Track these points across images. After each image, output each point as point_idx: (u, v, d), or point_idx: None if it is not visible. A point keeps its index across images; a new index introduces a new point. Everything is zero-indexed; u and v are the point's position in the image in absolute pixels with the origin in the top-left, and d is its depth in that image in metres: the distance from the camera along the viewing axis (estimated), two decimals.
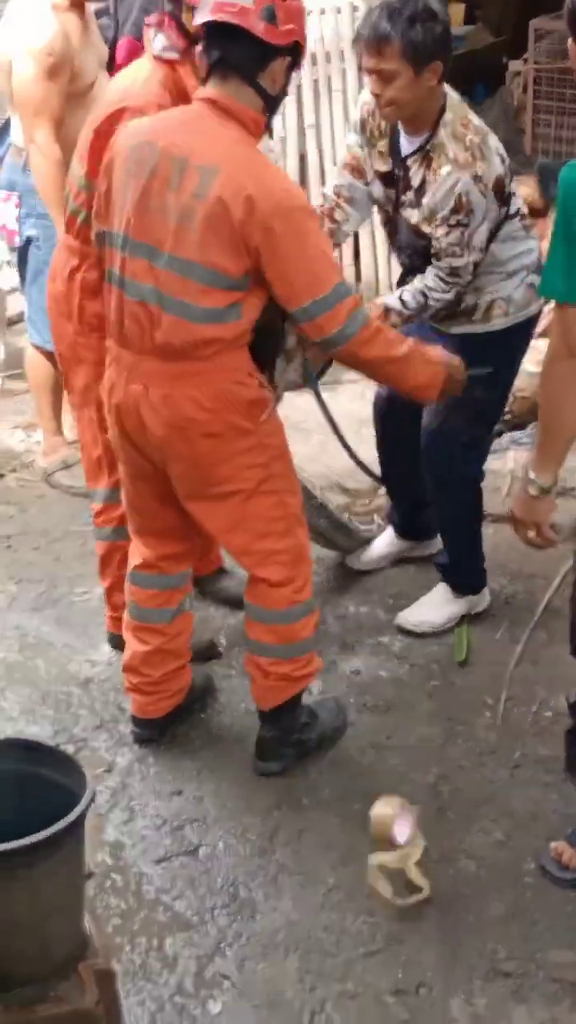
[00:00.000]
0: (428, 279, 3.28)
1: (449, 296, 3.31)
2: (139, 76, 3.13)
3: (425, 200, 3.21)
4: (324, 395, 3.50)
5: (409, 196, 3.28)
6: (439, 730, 3.32)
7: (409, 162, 3.26)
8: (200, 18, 2.70)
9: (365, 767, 3.18)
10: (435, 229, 3.22)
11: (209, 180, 2.63)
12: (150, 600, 3.12)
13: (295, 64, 2.77)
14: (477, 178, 3.13)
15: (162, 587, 3.13)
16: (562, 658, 3.59)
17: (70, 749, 3.13)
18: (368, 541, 4.08)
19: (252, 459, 2.86)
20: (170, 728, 3.27)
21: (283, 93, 2.80)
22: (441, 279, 3.27)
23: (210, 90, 2.73)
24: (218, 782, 3.13)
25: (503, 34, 8.13)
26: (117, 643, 3.52)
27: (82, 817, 2.10)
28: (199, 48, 2.80)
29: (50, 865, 2.06)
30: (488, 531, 4.41)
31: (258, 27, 2.62)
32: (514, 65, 7.44)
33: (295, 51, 2.74)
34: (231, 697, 3.48)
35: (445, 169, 3.14)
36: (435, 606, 3.77)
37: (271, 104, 2.77)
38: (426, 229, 3.25)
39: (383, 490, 4.30)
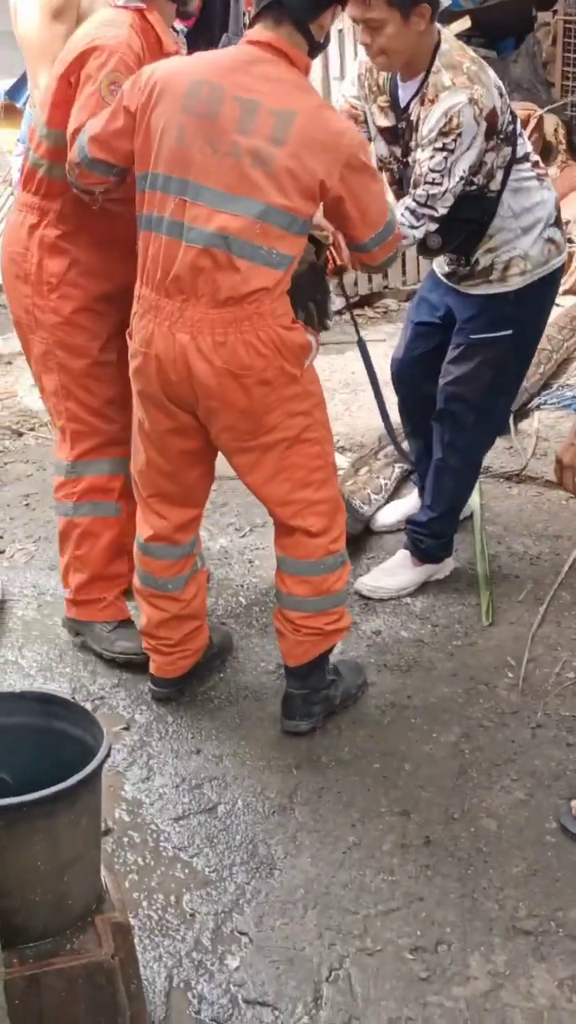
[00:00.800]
0: (397, 212, 3.07)
1: (418, 234, 3.15)
2: (105, 20, 3.02)
3: (420, 133, 3.14)
4: (343, 356, 3.49)
5: (416, 141, 3.19)
6: (460, 690, 3.30)
7: (411, 109, 3.18)
8: None
9: (385, 726, 3.15)
10: (419, 154, 3.13)
11: (286, 125, 2.61)
12: (165, 571, 3.08)
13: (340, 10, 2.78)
14: (472, 100, 3.05)
15: (176, 557, 3.08)
16: None
17: (88, 706, 3.11)
18: (366, 521, 4.03)
19: (297, 406, 2.84)
20: (189, 686, 3.25)
21: (326, 41, 2.80)
22: (412, 211, 3.13)
23: (264, 33, 2.69)
24: (237, 741, 3.12)
25: None
26: (74, 629, 3.46)
27: (99, 769, 2.08)
28: None
29: (68, 817, 2.04)
30: (512, 491, 4.40)
31: None
32: (543, 16, 7.33)
33: (343, 2, 2.75)
34: (250, 656, 3.46)
35: (444, 94, 3.07)
36: (391, 573, 3.74)
37: (314, 51, 2.75)
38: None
39: (384, 458, 4.26)
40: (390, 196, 3.14)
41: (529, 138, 6.58)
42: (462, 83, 3.07)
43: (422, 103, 3.14)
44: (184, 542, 3.08)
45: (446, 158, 3.08)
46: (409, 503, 4.05)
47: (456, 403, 3.51)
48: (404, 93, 3.21)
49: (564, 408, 5.03)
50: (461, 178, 3.13)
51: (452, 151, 3.07)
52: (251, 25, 2.75)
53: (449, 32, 3.22)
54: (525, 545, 4.02)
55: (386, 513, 4.08)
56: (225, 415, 2.80)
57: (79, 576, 3.36)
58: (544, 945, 2.48)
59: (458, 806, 2.86)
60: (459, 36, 7.34)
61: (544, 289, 3.44)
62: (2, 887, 1.97)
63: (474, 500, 4.25)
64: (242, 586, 3.80)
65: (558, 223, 3.39)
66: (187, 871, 2.70)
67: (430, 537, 3.71)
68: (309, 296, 2.94)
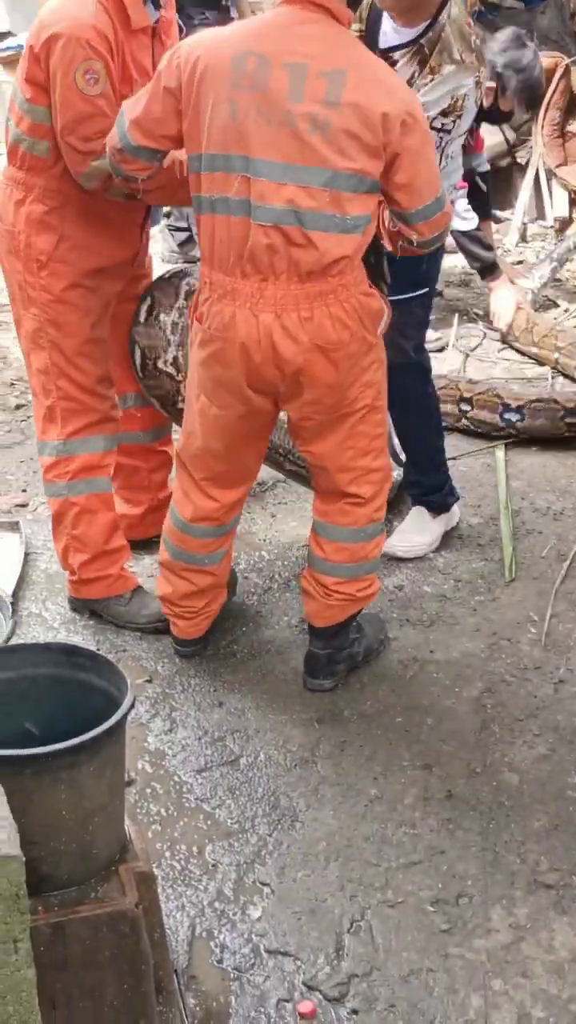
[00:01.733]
0: None
1: None
2: None
3: None
4: None
5: None
6: (483, 645, 3.29)
7: (396, 56, 3.04)
8: None
9: (408, 680, 3.15)
10: None
11: (338, 85, 2.51)
12: (204, 548, 3.05)
13: None
14: (478, 83, 3.00)
15: (218, 535, 3.06)
16: None
17: (111, 658, 3.12)
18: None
19: (373, 375, 2.81)
20: (212, 638, 3.26)
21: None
22: None
23: None
24: (260, 694, 3.12)
25: None
26: (87, 608, 3.43)
27: (124, 720, 2.08)
28: None
29: (92, 767, 2.05)
30: (535, 448, 4.36)
31: None
32: None
33: None
34: (273, 610, 3.46)
35: (448, 68, 2.96)
36: (419, 530, 3.72)
37: (352, 2, 2.69)
38: None
39: None
40: None
41: (556, 89, 6.51)
42: (471, 62, 2.97)
43: (414, 58, 3.00)
44: (228, 521, 3.05)
45: (442, 138, 3.02)
46: (414, 525, 3.81)
47: (394, 363, 3.41)
48: (392, 35, 3.06)
49: None
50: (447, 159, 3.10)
51: (449, 132, 3.00)
52: None
53: None
54: (548, 501, 4.00)
55: (399, 538, 3.75)
56: (311, 391, 2.74)
57: (81, 556, 3.31)
58: (565, 899, 2.49)
59: (480, 760, 2.87)
60: None
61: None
62: (28, 836, 1.98)
63: (498, 456, 4.23)
64: (265, 540, 3.80)
65: (450, 189, 3.34)
66: (210, 822, 2.72)
67: (433, 491, 3.72)
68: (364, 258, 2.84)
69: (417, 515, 3.75)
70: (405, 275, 3.22)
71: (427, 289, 3.43)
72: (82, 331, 3.13)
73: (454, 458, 4.23)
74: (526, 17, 7.48)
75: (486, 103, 4.79)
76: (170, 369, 3.27)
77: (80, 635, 3.36)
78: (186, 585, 3.09)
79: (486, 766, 2.85)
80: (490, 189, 4.42)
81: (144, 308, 3.28)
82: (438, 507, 3.74)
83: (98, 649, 3.23)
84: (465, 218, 4.97)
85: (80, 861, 2.10)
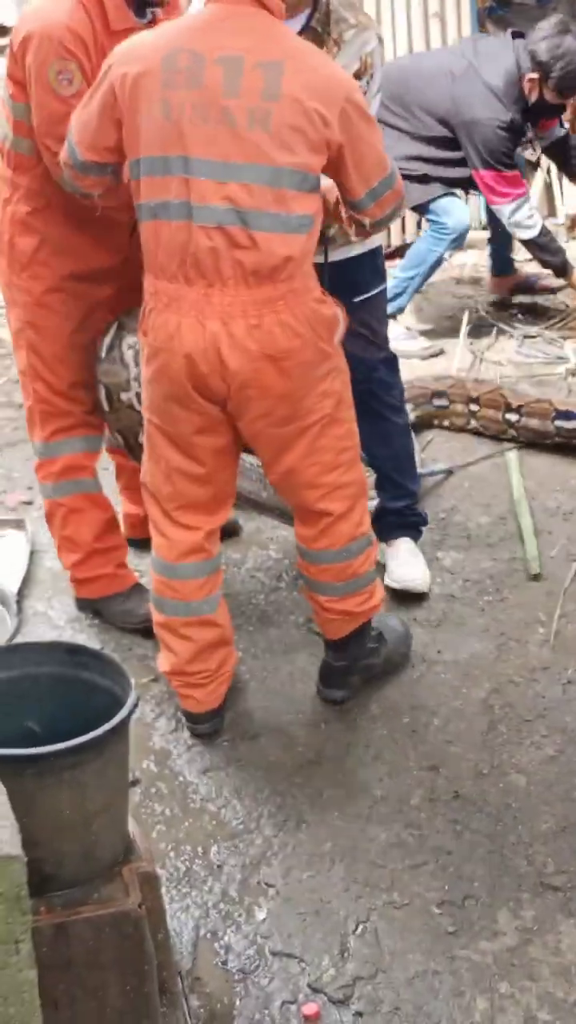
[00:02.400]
0: None
1: None
2: None
3: None
4: None
5: None
6: (491, 645, 3.27)
7: None
8: None
9: (415, 680, 3.14)
10: None
11: (276, 77, 2.43)
12: (198, 591, 2.84)
13: None
14: (380, 40, 2.92)
15: (209, 572, 2.86)
16: None
17: (116, 658, 3.10)
18: None
19: (330, 385, 2.69)
20: (227, 713, 3.03)
21: None
22: None
23: None
24: (266, 694, 3.11)
25: None
26: (90, 608, 3.41)
27: (127, 719, 2.07)
28: None
29: (95, 767, 2.04)
30: (545, 446, 4.34)
31: None
32: None
33: None
34: (280, 609, 3.45)
35: (349, 33, 2.87)
36: (417, 563, 3.51)
37: None
38: None
39: None
40: None
41: None
42: (367, 21, 2.92)
43: (316, 42, 2.86)
44: (214, 553, 2.86)
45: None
46: (411, 556, 3.60)
47: (356, 377, 3.11)
48: None
49: None
50: None
51: (365, 92, 2.87)
52: None
53: None
54: (558, 501, 3.98)
55: (407, 571, 3.53)
56: (261, 402, 2.61)
57: (73, 556, 3.29)
58: (572, 901, 2.47)
59: (487, 761, 2.85)
60: None
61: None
62: (31, 836, 1.97)
63: (510, 457, 4.20)
64: (271, 538, 3.78)
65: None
66: (215, 823, 2.70)
67: (414, 515, 3.59)
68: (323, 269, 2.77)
69: (408, 543, 3.56)
70: (374, 270, 3.24)
71: (383, 286, 3.37)
72: (61, 336, 3.09)
73: (471, 463, 4.23)
74: (536, 13, 7.46)
75: (532, 97, 4.79)
76: (136, 406, 3.08)
77: (85, 634, 3.35)
78: (191, 645, 2.86)
79: (493, 767, 2.83)
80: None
81: (107, 340, 3.12)
82: (420, 526, 3.61)
83: (103, 648, 3.22)
84: (529, 226, 4.96)
85: (83, 861, 2.09)
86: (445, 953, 2.36)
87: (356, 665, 3.02)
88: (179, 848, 2.64)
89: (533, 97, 4.81)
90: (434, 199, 5.05)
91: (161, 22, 2.85)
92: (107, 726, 2.03)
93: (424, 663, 3.20)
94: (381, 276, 3.33)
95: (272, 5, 2.50)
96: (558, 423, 4.24)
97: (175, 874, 2.57)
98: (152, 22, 2.87)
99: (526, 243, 5.14)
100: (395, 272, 5.19)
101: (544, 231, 5.07)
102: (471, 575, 3.60)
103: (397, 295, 5.27)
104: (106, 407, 3.12)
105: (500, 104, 4.79)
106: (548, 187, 6.78)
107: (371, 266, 3.22)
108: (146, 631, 3.28)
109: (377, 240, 3.21)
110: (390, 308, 5.07)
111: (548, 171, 6.65)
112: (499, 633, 3.32)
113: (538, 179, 6.70)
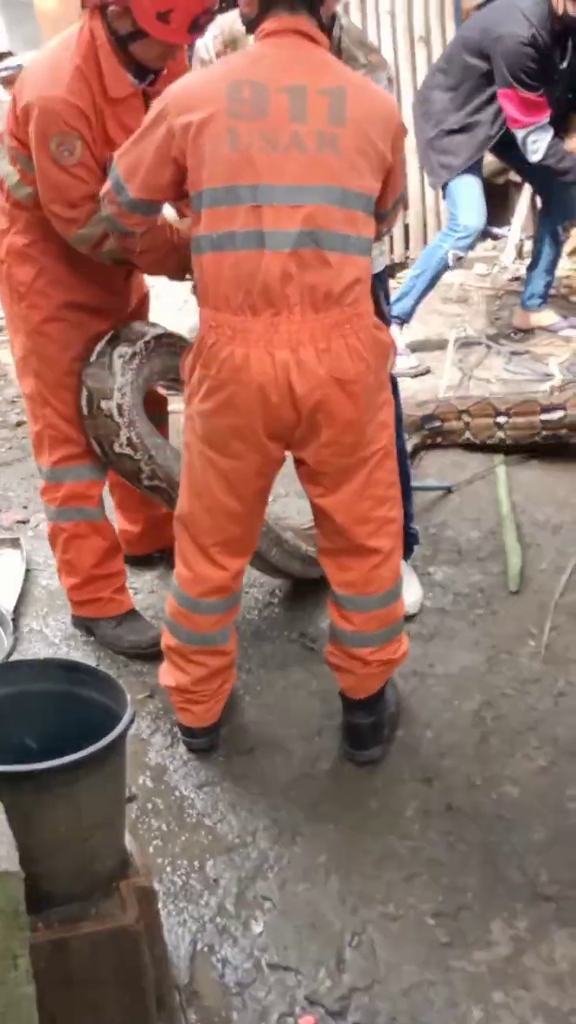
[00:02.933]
0: None
1: None
2: (54, 54, 2.87)
3: None
4: None
5: None
6: (482, 658, 3.30)
7: None
8: None
9: (408, 694, 3.16)
10: None
11: (340, 103, 2.48)
12: (216, 624, 2.84)
13: None
14: (390, 81, 2.96)
15: (228, 608, 2.85)
16: None
17: (112, 674, 3.13)
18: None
19: (387, 415, 2.70)
20: (222, 728, 3.05)
21: (332, 23, 2.66)
22: None
23: (282, 21, 2.53)
24: (260, 708, 3.13)
25: None
26: (84, 626, 3.44)
27: (123, 735, 2.09)
28: None
29: (92, 783, 2.06)
30: (534, 460, 4.38)
31: None
32: None
33: None
34: (273, 625, 3.48)
35: (361, 71, 2.86)
36: (409, 584, 3.40)
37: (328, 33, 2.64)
38: None
39: None
40: None
41: None
42: (378, 61, 2.94)
43: None
44: (237, 589, 2.85)
45: None
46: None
47: None
48: None
49: None
50: None
51: None
52: (259, 22, 2.57)
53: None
54: (547, 514, 4.01)
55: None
56: (329, 429, 2.58)
57: (71, 579, 3.33)
58: (566, 911, 2.49)
59: (480, 773, 2.87)
60: (481, 5, 7.26)
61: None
62: (28, 852, 1.99)
63: (499, 472, 4.23)
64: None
65: None
66: (211, 837, 2.72)
67: (408, 525, 3.44)
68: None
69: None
70: (382, 293, 3.21)
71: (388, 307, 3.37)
72: (61, 364, 3.12)
73: (470, 481, 4.26)
74: None
75: (559, 8, 4.76)
76: (116, 416, 3.11)
77: (81, 651, 3.37)
78: (200, 670, 2.87)
79: (486, 779, 2.86)
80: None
81: (99, 346, 3.14)
82: (412, 544, 3.54)
83: (98, 665, 3.25)
84: (534, 151, 4.98)
85: (80, 877, 2.11)
86: (440, 964, 2.38)
87: (383, 716, 2.95)
88: (176, 863, 2.66)
89: (560, 8, 4.78)
90: (463, 173, 5.11)
91: (164, 80, 2.88)
92: (103, 742, 2.05)
93: (416, 676, 3.23)
94: (386, 298, 3.31)
95: (319, 37, 2.56)
96: (543, 417, 4.35)
97: (172, 889, 2.59)
98: (153, 83, 2.91)
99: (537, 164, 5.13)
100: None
101: (550, 153, 5.01)
102: (462, 589, 3.63)
103: (404, 294, 5.32)
104: (85, 411, 3.13)
105: (526, 21, 4.80)
106: (533, 207, 6.82)
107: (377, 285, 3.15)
108: (133, 656, 3.31)
109: (381, 262, 3.15)
110: (396, 310, 5.15)
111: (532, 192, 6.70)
112: (490, 646, 3.35)
113: (523, 199, 6.75)
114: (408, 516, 3.46)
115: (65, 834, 2.07)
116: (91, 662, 3.25)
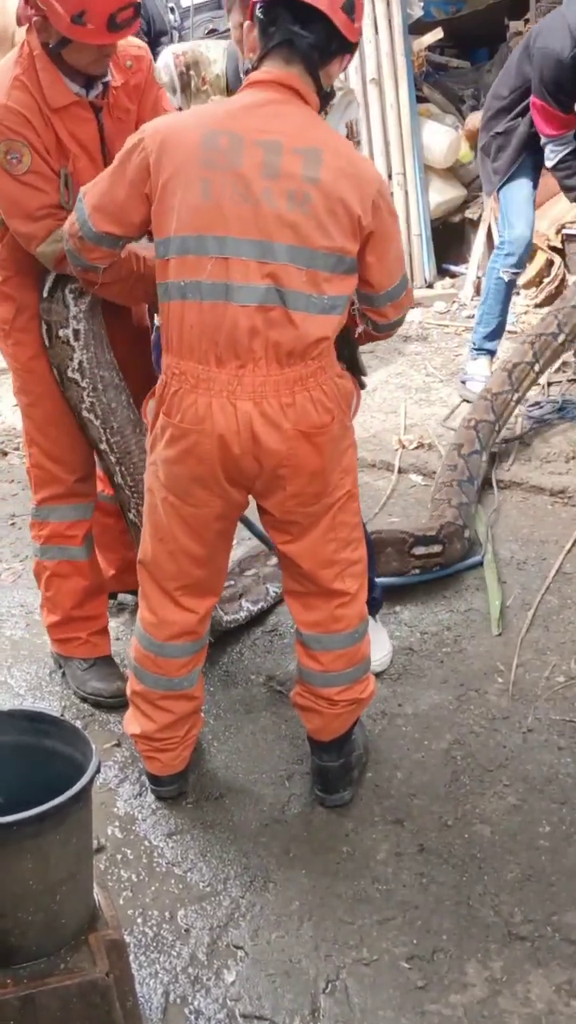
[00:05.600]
0: None
1: None
2: (1, 74, 2.85)
3: None
4: None
5: None
6: (451, 696, 3.30)
7: None
8: None
9: (377, 735, 3.15)
10: None
11: (314, 163, 2.45)
12: (181, 669, 2.82)
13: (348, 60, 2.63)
14: (358, 106, 2.99)
15: (195, 652, 2.84)
16: (574, 622, 3.59)
17: (78, 724, 3.10)
18: (223, 629, 3.56)
19: (350, 460, 2.70)
20: (187, 779, 3.00)
21: (332, 92, 2.62)
22: None
23: (274, 72, 2.51)
24: (228, 754, 3.11)
25: None
26: (57, 662, 3.43)
27: (89, 786, 2.07)
28: (245, 23, 2.53)
29: (58, 835, 2.04)
30: (499, 498, 4.40)
31: (339, 18, 2.47)
32: (515, 25, 7.36)
33: (352, 50, 2.59)
34: (240, 669, 3.46)
35: (336, 96, 2.83)
36: (377, 640, 3.34)
37: (321, 99, 2.59)
38: None
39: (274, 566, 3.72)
40: None
41: None
42: (348, 87, 2.95)
43: None
44: (203, 633, 2.85)
45: None
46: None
47: None
48: None
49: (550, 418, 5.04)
50: None
51: None
52: (256, 67, 2.56)
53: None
54: (511, 551, 4.03)
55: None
56: (295, 480, 2.59)
57: (52, 617, 3.32)
58: (541, 950, 2.48)
59: (451, 813, 2.86)
60: (432, 47, 7.42)
61: None
62: None
63: (480, 512, 4.20)
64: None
65: None
66: (181, 886, 2.69)
67: (373, 586, 3.34)
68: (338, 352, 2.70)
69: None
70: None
71: None
72: (51, 400, 3.11)
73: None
74: (473, 76, 7.67)
75: None
76: (71, 341, 3.07)
77: (47, 701, 3.34)
78: (165, 716, 2.84)
79: (457, 818, 2.84)
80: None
81: (48, 282, 3.05)
82: (378, 604, 3.45)
83: (64, 714, 3.22)
84: (550, 158, 4.99)
85: (48, 931, 2.08)
86: (416, 1008, 2.36)
87: (352, 758, 2.93)
88: (146, 913, 2.62)
89: None
90: (514, 174, 5.10)
91: (132, 77, 2.92)
92: (68, 794, 2.03)
93: (385, 717, 3.22)
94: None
95: (308, 96, 2.53)
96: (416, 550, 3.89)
97: (143, 940, 2.55)
98: (103, 96, 2.91)
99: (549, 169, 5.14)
100: None
101: (561, 165, 5.00)
102: (429, 627, 3.63)
103: (476, 325, 5.34)
104: (47, 343, 3.08)
105: (570, 38, 4.71)
106: (490, 244, 6.91)
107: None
108: (94, 704, 3.29)
109: None
110: (477, 343, 5.24)
111: (489, 228, 6.78)
112: (458, 684, 3.35)
113: (480, 236, 6.83)
114: (370, 580, 3.32)
115: (32, 888, 2.05)
116: (57, 711, 3.22)
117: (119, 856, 2.78)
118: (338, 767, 2.89)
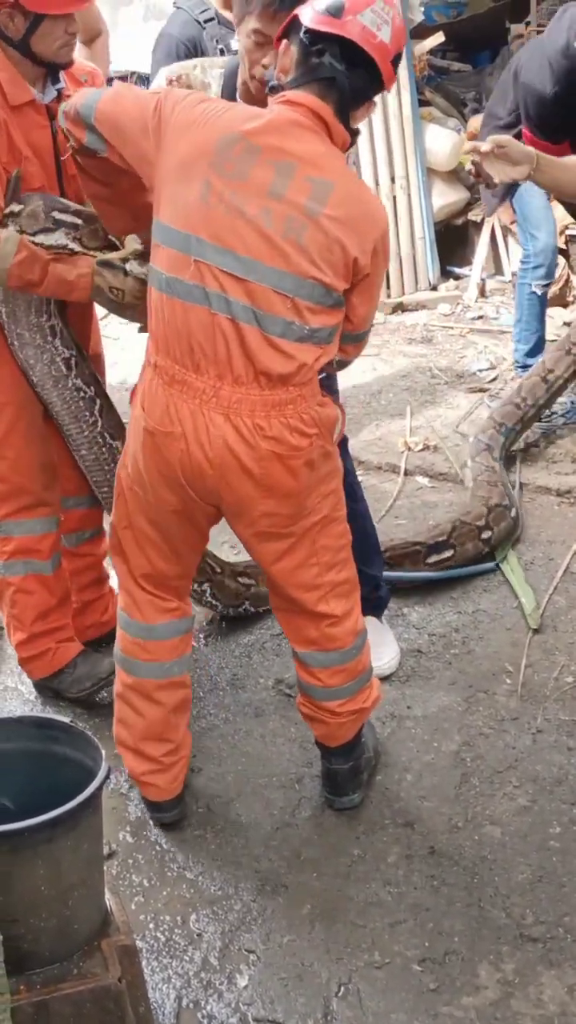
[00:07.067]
0: None
1: None
2: None
3: None
4: None
5: None
6: (459, 698, 3.30)
7: None
8: (321, 24, 2.42)
9: (386, 737, 3.15)
10: None
11: (324, 194, 2.41)
12: (173, 651, 2.79)
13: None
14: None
15: (184, 631, 2.83)
16: None
17: (88, 730, 3.10)
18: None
19: (329, 484, 2.65)
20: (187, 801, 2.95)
21: (355, 134, 2.59)
22: None
23: (311, 98, 2.45)
24: (238, 758, 3.11)
25: None
26: (48, 689, 3.36)
27: (99, 792, 2.08)
28: (283, 42, 2.48)
29: (69, 841, 2.05)
30: None
31: (386, 68, 2.47)
32: (516, 28, 7.39)
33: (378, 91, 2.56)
34: (249, 672, 3.46)
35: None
36: (383, 641, 3.40)
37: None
38: None
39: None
40: None
41: None
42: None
43: None
44: (190, 612, 2.85)
45: None
46: (376, 636, 3.36)
47: None
48: None
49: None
50: None
51: None
52: (286, 88, 2.51)
53: None
54: (519, 551, 4.03)
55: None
56: (266, 502, 2.55)
57: (19, 635, 3.26)
58: (553, 951, 2.48)
59: (461, 815, 2.86)
60: (433, 51, 7.42)
61: None
62: (7, 913, 1.97)
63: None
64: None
65: None
66: (193, 890, 2.70)
67: (378, 586, 3.43)
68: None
69: (370, 626, 3.19)
70: None
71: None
72: (15, 409, 3.07)
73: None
74: (475, 79, 7.67)
75: None
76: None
77: (56, 707, 3.34)
78: (156, 710, 2.79)
79: (467, 820, 2.85)
80: None
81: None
82: (385, 604, 3.48)
83: (73, 720, 3.18)
84: None
85: (61, 937, 2.08)
86: (428, 1011, 2.36)
87: (361, 762, 2.92)
88: (158, 918, 2.63)
89: None
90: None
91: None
92: (79, 799, 2.03)
93: (394, 719, 3.22)
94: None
95: (335, 132, 2.48)
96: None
97: (155, 945, 2.55)
98: (59, 99, 2.90)
99: None
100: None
101: None
102: (437, 629, 3.63)
103: (516, 343, 5.28)
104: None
105: (550, 74, 4.49)
106: (494, 246, 6.92)
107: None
108: (103, 690, 3.26)
109: None
110: (519, 361, 5.17)
111: (492, 229, 6.80)
112: (467, 685, 3.35)
113: (483, 239, 6.84)
114: (375, 579, 3.41)
115: (44, 894, 2.05)
116: (66, 718, 3.21)
117: (130, 861, 2.79)
118: (347, 770, 2.89)
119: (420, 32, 7.06)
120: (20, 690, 3.44)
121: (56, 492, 3.23)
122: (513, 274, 6.76)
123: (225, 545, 4.06)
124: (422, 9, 6.95)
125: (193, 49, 3.70)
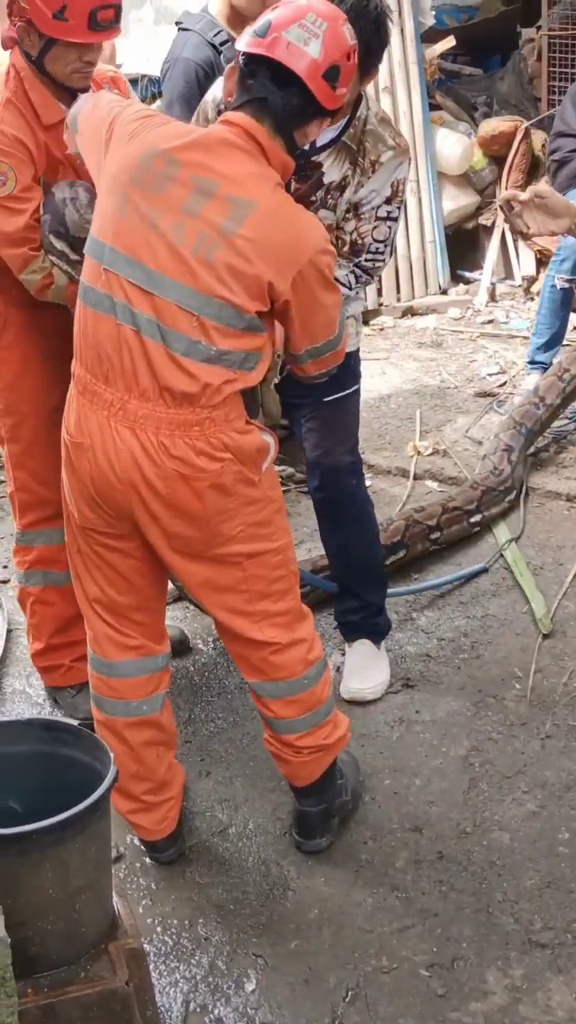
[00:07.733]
0: (339, 274, 2.85)
1: (354, 295, 3.04)
2: None
3: (347, 195, 2.89)
4: None
5: (319, 195, 2.89)
6: (468, 703, 3.29)
7: (320, 157, 2.85)
8: (250, 45, 2.40)
9: (394, 742, 3.15)
10: (358, 224, 2.93)
11: (242, 215, 2.36)
12: (139, 689, 2.67)
13: (329, 122, 2.55)
14: (409, 163, 2.93)
15: (152, 670, 2.69)
16: None
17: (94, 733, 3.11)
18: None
19: (257, 514, 2.52)
20: (184, 838, 2.87)
21: (310, 149, 2.57)
22: (357, 277, 2.99)
23: (246, 118, 2.42)
24: (246, 762, 3.11)
25: (515, 2, 8.05)
26: (51, 696, 3.36)
27: (107, 795, 2.08)
28: (230, 68, 2.51)
29: (78, 844, 2.04)
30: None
31: (317, 84, 2.39)
32: (527, 32, 7.38)
33: (335, 112, 2.51)
34: None
35: (387, 155, 2.86)
36: (375, 665, 3.38)
37: (296, 156, 2.51)
38: (344, 230, 2.94)
39: None
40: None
41: (517, 152, 6.63)
42: (404, 145, 2.91)
43: (340, 155, 2.87)
44: (157, 651, 2.69)
45: (391, 227, 2.96)
46: (369, 660, 3.43)
47: (331, 472, 3.26)
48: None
49: None
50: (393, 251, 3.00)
51: (396, 220, 2.94)
52: (231, 108, 2.50)
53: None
54: (527, 556, 4.02)
55: (359, 681, 3.37)
56: (173, 522, 2.47)
57: (37, 644, 3.27)
58: (561, 957, 2.47)
59: (470, 820, 2.86)
60: (444, 55, 7.41)
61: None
62: (15, 916, 1.96)
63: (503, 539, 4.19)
64: None
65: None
66: (201, 895, 2.69)
67: (379, 613, 3.42)
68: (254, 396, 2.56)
69: (367, 649, 3.40)
70: (348, 371, 3.04)
71: (357, 386, 3.22)
72: (37, 419, 3.05)
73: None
74: (486, 83, 7.66)
75: None
76: None
77: (64, 710, 3.34)
78: (126, 749, 2.67)
79: (476, 825, 2.84)
80: None
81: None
82: (384, 632, 3.45)
83: (81, 723, 3.21)
84: None
85: (68, 940, 2.08)
86: (436, 1016, 2.35)
87: (334, 806, 2.81)
88: (166, 922, 2.62)
89: None
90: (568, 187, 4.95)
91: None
92: (88, 802, 2.03)
93: (403, 723, 3.22)
94: (355, 377, 3.21)
95: (272, 154, 2.43)
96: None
97: (163, 948, 2.55)
98: None
99: None
100: None
101: None
102: (446, 634, 3.62)
103: (534, 336, 5.25)
104: None
105: None
106: (504, 250, 6.91)
107: (344, 366, 2.81)
108: (89, 727, 3.24)
109: (354, 343, 3.10)
110: (532, 355, 5.17)
111: (503, 234, 6.79)
112: (476, 690, 3.34)
113: (494, 243, 6.83)
114: (374, 606, 3.41)
115: (52, 897, 2.05)
116: (74, 721, 3.22)
117: (138, 865, 2.79)
118: (316, 813, 2.78)
119: (431, 36, 7.05)
120: (28, 693, 3.45)
121: None
122: (523, 278, 6.78)
123: None
124: (433, 13, 6.94)
125: (211, 72, 3.65)
